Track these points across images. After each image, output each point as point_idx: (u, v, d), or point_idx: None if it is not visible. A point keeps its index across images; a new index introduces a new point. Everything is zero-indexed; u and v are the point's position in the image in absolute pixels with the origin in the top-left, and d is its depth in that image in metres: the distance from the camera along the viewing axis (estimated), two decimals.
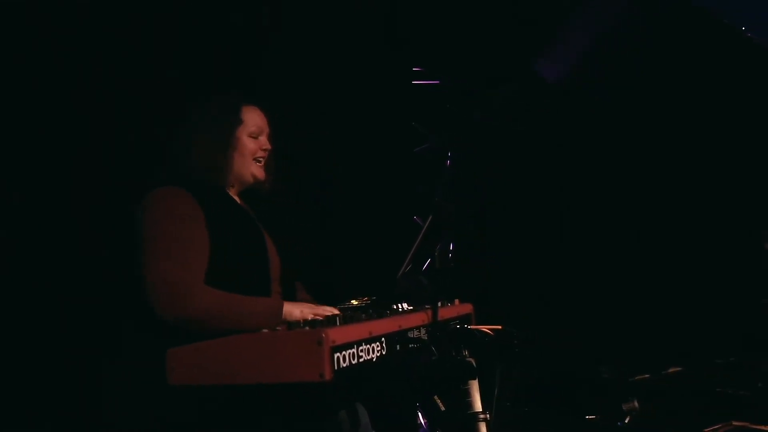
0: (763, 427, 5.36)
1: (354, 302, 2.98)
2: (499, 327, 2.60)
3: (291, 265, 2.82)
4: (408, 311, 2.45)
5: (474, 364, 2.35)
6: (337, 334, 1.76)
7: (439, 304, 2.64)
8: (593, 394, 5.88)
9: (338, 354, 1.75)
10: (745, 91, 6.97)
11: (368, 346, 1.91)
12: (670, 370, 7.55)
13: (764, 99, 7.22)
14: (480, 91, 4.65)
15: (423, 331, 2.35)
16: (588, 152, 5.89)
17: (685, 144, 6.82)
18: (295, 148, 3.69)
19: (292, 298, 2.82)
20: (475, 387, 2.59)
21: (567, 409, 5.85)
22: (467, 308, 2.89)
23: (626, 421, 5.19)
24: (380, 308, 2.47)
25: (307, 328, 1.83)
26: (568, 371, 6.03)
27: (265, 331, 1.84)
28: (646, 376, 7.28)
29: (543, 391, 5.91)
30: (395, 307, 2.57)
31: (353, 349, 1.83)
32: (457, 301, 2.88)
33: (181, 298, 2.18)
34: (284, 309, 2.48)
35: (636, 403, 5.21)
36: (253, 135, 2.82)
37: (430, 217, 2.67)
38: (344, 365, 1.76)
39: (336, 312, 2.51)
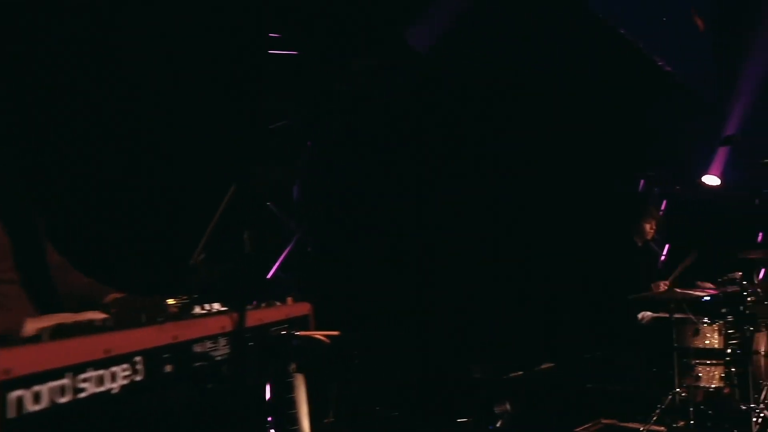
0: (630, 425, 5.18)
1: (171, 301, 2.19)
2: (337, 333, 1.94)
3: (32, 244, 2.00)
4: (208, 314, 1.73)
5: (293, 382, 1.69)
6: (20, 359, 1.02)
7: (259, 304, 1.95)
8: (465, 395, 5.42)
9: (19, 392, 1.01)
10: (618, 86, 6.85)
11: (97, 372, 1.19)
12: (543, 366, 7.33)
13: (634, 94, 7.15)
14: (343, 61, 4.02)
15: (222, 342, 1.64)
16: (453, 138, 5.43)
17: (555, 137, 6.60)
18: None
19: (45, 284, 1.99)
20: (302, 411, 1.92)
21: (439, 411, 5.35)
22: (303, 308, 2.20)
23: (498, 425, 4.75)
24: (167, 310, 1.71)
25: None
26: (439, 372, 5.53)
27: None
28: (520, 373, 7.01)
29: (413, 393, 5.37)
30: (202, 308, 1.84)
31: (62, 381, 1.10)
32: (290, 300, 2.18)
33: None
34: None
35: (508, 405, 4.79)
36: None
37: (233, 188, 1.94)
38: (34, 409, 1.03)
39: (98, 317, 1.72)
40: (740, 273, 4.69)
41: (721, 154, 7.52)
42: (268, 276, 3.93)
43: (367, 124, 4.62)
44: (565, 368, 6.97)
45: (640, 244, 5.64)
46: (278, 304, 2.08)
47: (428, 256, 5.40)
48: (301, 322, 2.13)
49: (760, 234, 8.84)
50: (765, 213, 8.57)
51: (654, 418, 4.53)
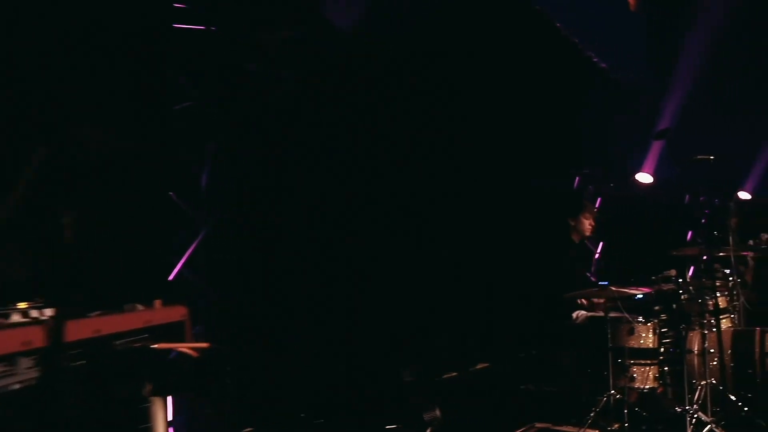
0: (564, 428, 4.96)
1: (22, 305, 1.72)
2: (206, 345, 1.53)
3: None
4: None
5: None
6: None
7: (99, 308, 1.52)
8: (395, 400, 5.07)
9: None
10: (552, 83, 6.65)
11: None
12: (478, 366, 7.07)
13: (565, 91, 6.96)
14: (256, 38, 3.58)
15: (25, 363, 1.20)
16: (379, 129, 5.07)
17: (486, 132, 6.36)
18: None
19: None
20: None
21: (367, 417, 4.98)
22: (175, 313, 1.78)
23: None
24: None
25: None
26: (368, 376, 5.16)
27: None
28: (454, 374, 6.72)
29: (341, 399, 4.99)
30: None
31: None
32: (158, 303, 1.76)
33: None
34: None
35: (438, 412, 4.46)
36: None
37: (39, 151, 1.50)
38: None
39: None
40: (675, 271, 4.49)
41: (655, 152, 7.44)
42: (171, 276, 3.47)
43: (284, 107, 4.20)
44: (501, 368, 6.74)
45: (576, 241, 5.41)
46: (140, 308, 1.65)
47: (354, 253, 5.02)
48: (172, 331, 1.71)
49: (690, 232, 8.87)
50: (696, 211, 8.60)
51: (588, 421, 4.28)
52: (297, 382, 4.75)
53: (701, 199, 9.06)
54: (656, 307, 4.58)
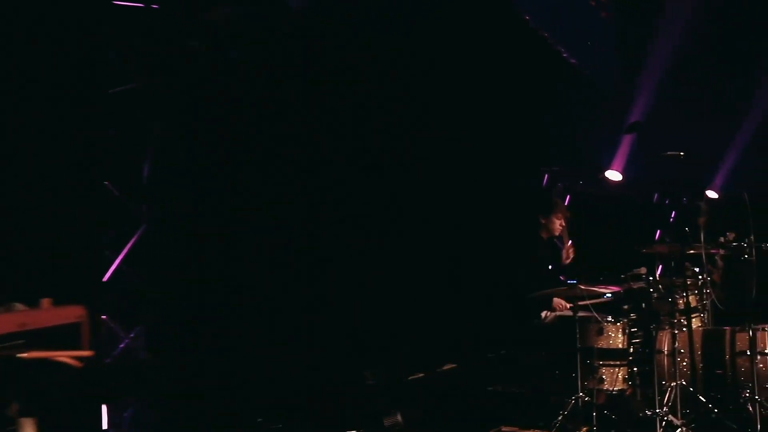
0: None
1: None
2: (90, 353, 1.25)
3: None
4: None
5: None
6: None
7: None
8: (356, 404, 4.81)
9: None
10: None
11: None
12: (445, 367, 6.85)
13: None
14: (201, 15, 3.28)
15: None
16: (338, 122, 4.81)
17: (453, 127, 6.13)
18: None
19: None
20: None
21: (327, 423, 4.71)
22: (69, 314, 1.49)
23: None
24: None
25: None
26: (329, 379, 4.89)
27: None
28: (420, 375, 6.49)
29: (300, 403, 4.71)
30: None
31: None
32: (46, 302, 1.47)
33: None
34: None
35: (399, 417, 4.23)
36: None
37: None
38: None
39: None
40: (645, 269, 4.31)
41: (624, 150, 7.29)
42: (109, 272, 3.16)
43: (231, 91, 3.90)
44: (469, 369, 6.52)
45: (545, 238, 5.20)
46: (20, 307, 1.36)
47: (312, 250, 4.74)
48: (64, 335, 1.42)
49: (658, 231, 8.76)
50: (664, 209, 8.50)
51: (556, 425, 4.07)
52: (252, 385, 4.47)
53: (668, 199, 9.00)
54: (625, 306, 4.39)
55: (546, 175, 7.30)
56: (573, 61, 7.01)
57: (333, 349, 4.90)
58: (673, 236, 8.41)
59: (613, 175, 7.08)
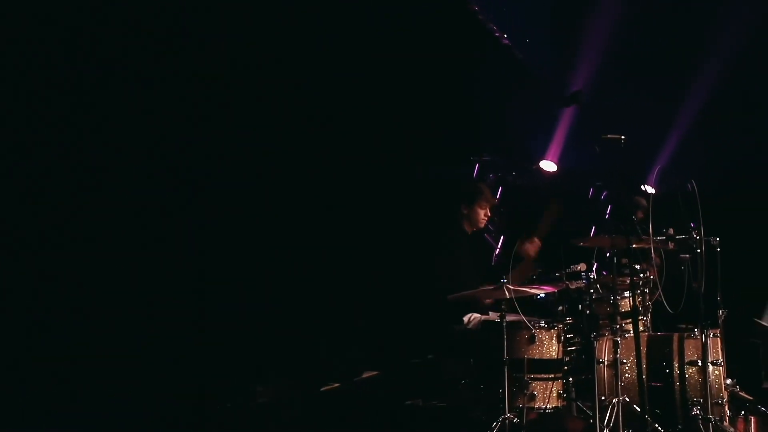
0: None
1: None
2: None
3: None
4: None
5: None
6: None
7: None
8: (243, 424, 3.95)
9: None
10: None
11: None
12: (364, 375, 6.06)
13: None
14: None
15: None
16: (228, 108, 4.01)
17: (369, 112, 5.35)
18: None
19: None
20: None
21: None
22: None
23: None
24: None
25: None
26: (213, 394, 4.00)
27: None
28: (336, 385, 5.68)
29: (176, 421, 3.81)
30: None
31: None
32: None
33: None
34: None
35: None
36: None
37: None
38: None
39: None
40: (584, 265, 3.61)
41: (559, 139, 6.68)
42: None
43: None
44: (392, 377, 5.75)
45: (469, 232, 4.45)
46: None
47: (199, 248, 3.87)
48: None
49: (593, 227, 8.21)
50: (599, 204, 7.98)
51: None
52: (118, 398, 3.55)
53: (604, 193, 8.46)
54: (560, 308, 3.68)
55: (477, 165, 6.62)
56: (506, 41, 6.35)
57: (218, 359, 4.02)
58: (609, 233, 7.82)
59: (548, 165, 6.46)
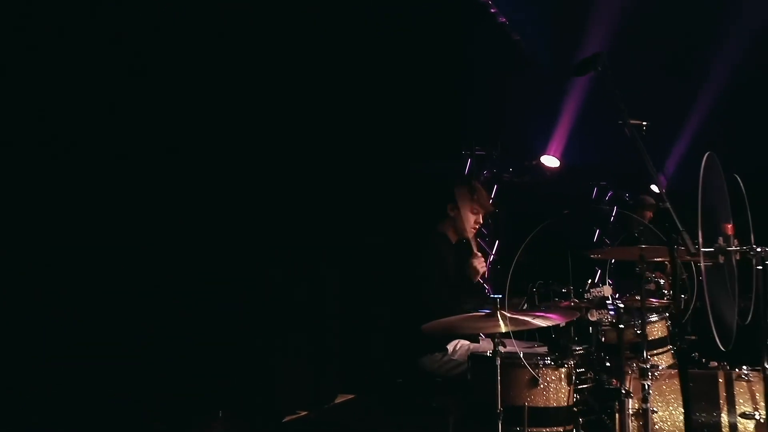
0: None
1: None
2: None
3: None
4: None
5: None
6: None
7: None
8: None
9: None
10: None
11: None
12: (337, 400, 5.19)
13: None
14: None
15: None
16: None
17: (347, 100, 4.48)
18: None
19: None
20: None
21: None
22: None
23: None
24: None
25: None
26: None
27: None
28: (303, 413, 4.80)
29: None
30: None
31: None
32: None
33: None
34: None
35: None
36: None
37: None
38: None
39: None
40: (609, 288, 2.70)
41: (562, 133, 5.80)
42: None
43: None
44: (369, 401, 4.87)
45: (454, 240, 3.55)
46: None
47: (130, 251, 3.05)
48: None
49: (597, 231, 7.34)
50: (604, 205, 7.11)
51: None
52: None
53: (610, 192, 7.53)
54: (570, 339, 2.78)
55: (469, 160, 5.74)
56: (503, 19, 5.46)
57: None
58: (614, 238, 6.85)
59: (550, 160, 5.59)
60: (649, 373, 2.65)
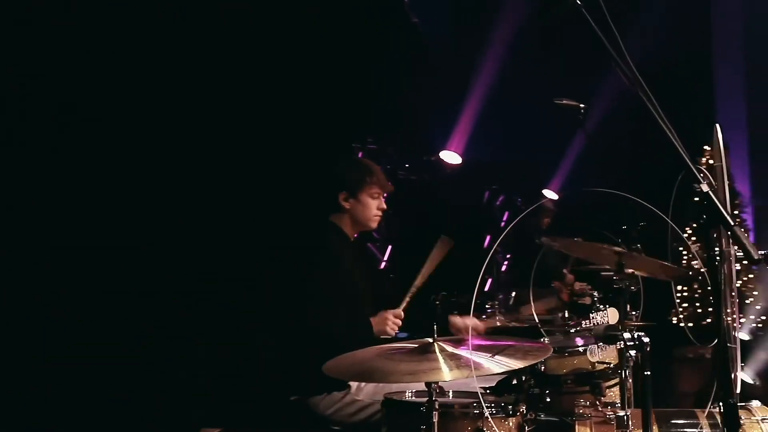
0: None
1: None
2: None
3: None
4: None
5: None
6: None
7: None
8: None
9: None
10: None
11: None
12: None
13: None
14: None
15: None
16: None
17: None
18: None
19: None
20: None
21: None
22: None
23: None
24: None
25: None
26: None
27: None
28: None
29: None
30: None
31: None
32: None
33: None
34: None
35: None
36: None
37: None
38: None
39: None
40: (615, 311, 2.00)
41: (464, 128, 5.22)
42: None
43: None
44: None
45: (352, 237, 2.73)
46: None
47: None
48: None
49: (488, 237, 6.87)
50: (495, 209, 6.68)
51: None
52: None
53: (501, 197, 7.10)
54: (515, 380, 2.07)
55: (360, 154, 4.98)
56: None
57: None
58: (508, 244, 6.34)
59: (450, 156, 4.97)
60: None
